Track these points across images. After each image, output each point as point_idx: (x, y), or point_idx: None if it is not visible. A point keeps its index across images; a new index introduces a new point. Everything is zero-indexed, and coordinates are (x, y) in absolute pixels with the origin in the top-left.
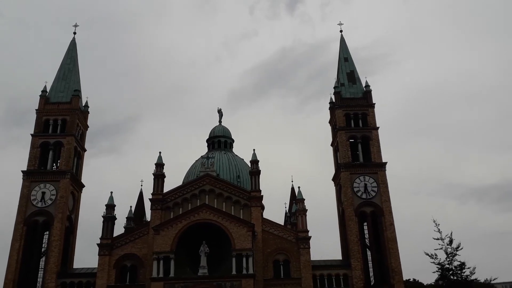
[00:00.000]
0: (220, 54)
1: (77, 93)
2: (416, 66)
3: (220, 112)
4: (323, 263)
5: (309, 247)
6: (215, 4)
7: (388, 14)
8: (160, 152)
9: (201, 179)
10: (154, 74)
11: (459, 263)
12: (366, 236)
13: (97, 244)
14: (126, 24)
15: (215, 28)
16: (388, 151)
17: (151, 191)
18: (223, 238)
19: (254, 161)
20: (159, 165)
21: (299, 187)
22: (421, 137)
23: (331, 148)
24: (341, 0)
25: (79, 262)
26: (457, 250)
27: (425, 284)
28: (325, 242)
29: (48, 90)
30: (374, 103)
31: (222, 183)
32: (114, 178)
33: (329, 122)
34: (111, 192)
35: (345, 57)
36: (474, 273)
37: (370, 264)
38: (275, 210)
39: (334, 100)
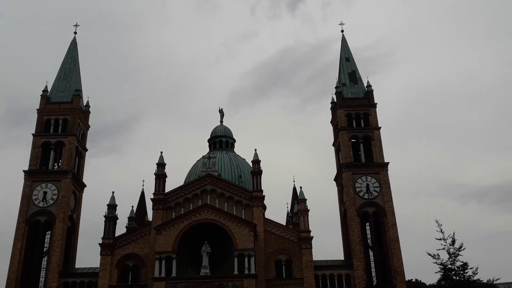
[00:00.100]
0: (221, 54)
1: (78, 93)
2: (417, 66)
3: (221, 112)
4: (325, 263)
5: (311, 247)
6: (215, 4)
7: (389, 14)
8: (161, 152)
9: (202, 179)
10: (155, 74)
11: (462, 263)
12: (368, 236)
13: (99, 244)
14: (127, 24)
15: (216, 28)
16: (389, 151)
17: (153, 191)
18: (225, 238)
19: (256, 161)
20: (161, 165)
21: (300, 187)
22: (422, 138)
23: (332, 148)
24: (342, 0)
25: (81, 262)
26: (459, 251)
27: (427, 284)
28: (327, 242)
29: (49, 90)
30: (376, 103)
31: (223, 183)
32: (116, 178)
33: (331, 122)
34: (113, 192)
35: (346, 57)
36: (477, 273)
37: (372, 264)
38: (277, 210)
39: (335, 100)
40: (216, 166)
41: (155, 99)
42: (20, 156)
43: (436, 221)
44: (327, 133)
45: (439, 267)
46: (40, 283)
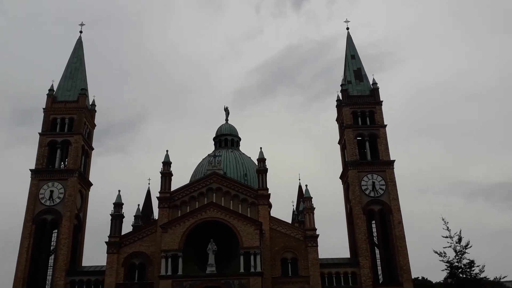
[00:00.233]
0: (226, 52)
1: (84, 92)
2: (423, 64)
3: (226, 110)
4: (331, 261)
5: (317, 245)
6: (220, 3)
7: (394, 11)
8: (167, 151)
9: (208, 177)
10: (160, 73)
11: (468, 261)
12: (374, 234)
13: (106, 242)
14: (132, 23)
15: (220, 26)
16: (395, 149)
17: (159, 189)
18: (230, 236)
19: (261, 159)
20: (166, 163)
21: (306, 185)
22: (428, 135)
23: (338, 146)
24: None
25: (87, 260)
26: (466, 248)
27: (434, 282)
28: (332, 240)
29: (55, 89)
30: (382, 101)
31: (229, 181)
32: (122, 177)
33: (336, 120)
34: (119, 191)
35: (351, 54)
36: (484, 271)
37: (379, 262)
38: (282, 208)
39: (341, 98)
40: (221, 164)
41: (160, 98)
42: (26, 155)
43: (443, 219)
44: (333, 131)
45: (446, 265)
46: (47, 281)
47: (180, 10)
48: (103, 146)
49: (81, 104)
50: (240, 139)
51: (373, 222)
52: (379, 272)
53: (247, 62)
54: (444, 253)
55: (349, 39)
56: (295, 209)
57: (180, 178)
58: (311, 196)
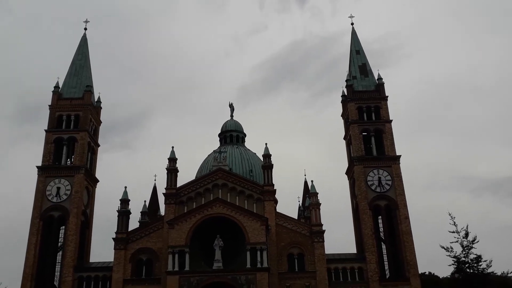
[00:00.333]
0: (230, 48)
1: (89, 89)
2: (429, 59)
3: (231, 106)
4: (337, 256)
5: (323, 241)
6: None
7: (399, 6)
8: (172, 147)
9: (214, 173)
10: (164, 70)
11: (475, 256)
12: (381, 229)
13: (113, 239)
14: (136, 20)
15: (225, 22)
16: (401, 144)
17: (165, 185)
18: (237, 232)
19: (267, 155)
20: (172, 159)
21: (312, 181)
22: (434, 130)
23: (343, 142)
24: None
25: (95, 256)
26: (473, 243)
27: (441, 277)
28: (339, 236)
29: (60, 86)
30: (387, 96)
31: (235, 177)
32: (128, 173)
33: (342, 116)
34: (125, 187)
35: (356, 49)
36: (491, 266)
37: (385, 258)
38: (288, 204)
39: (346, 93)
40: (227, 160)
41: (165, 95)
42: (32, 152)
43: (449, 214)
44: (338, 127)
45: (453, 260)
46: (55, 278)
47: (185, 7)
48: (109, 143)
49: (86, 101)
50: (245, 135)
51: (380, 217)
52: (386, 267)
53: (252, 58)
54: (451, 248)
55: (353, 34)
56: (301, 204)
57: (186, 174)
58: (317, 191)
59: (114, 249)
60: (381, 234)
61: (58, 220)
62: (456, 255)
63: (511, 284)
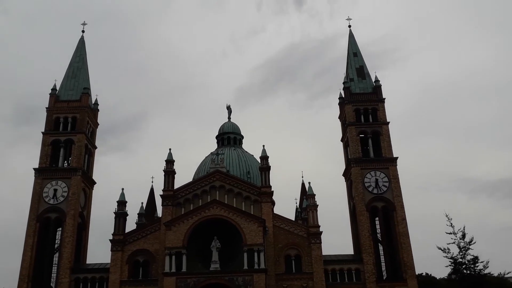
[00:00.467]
0: (228, 50)
1: (86, 91)
2: (426, 61)
3: (229, 108)
4: (334, 257)
5: (320, 242)
6: (221, 0)
7: (397, 8)
8: (170, 149)
9: (211, 175)
10: (162, 71)
11: (472, 257)
12: (378, 231)
13: (110, 240)
14: (134, 22)
15: (222, 24)
16: (398, 146)
17: (162, 187)
18: (234, 233)
19: (264, 157)
20: (169, 161)
21: (309, 183)
22: (431, 132)
23: (341, 144)
24: None
25: (92, 257)
26: (470, 244)
27: (437, 278)
28: (336, 237)
29: (57, 88)
30: (384, 98)
31: (232, 179)
32: (125, 175)
33: (339, 118)
34: (122, 189)
35: (354, 52)
36: (488, 267)
37: (382, 259)
38: (285, 205)
39: (343, 96)
40: (224, 162)
41: (162, 97)
42: (29, 154)
43: (446, 215)
44: (335, 129)
45: (450, 261)
46: (52, 279)
47: (182, 8)
48: (106, 145)
49: (83, 103)
50: (242, 137)
51: (377, 219)
52: (383, 268)
53: (249, 60)
54: (448, 249)
55: (351, 36)
56: (298, 206)
57: (183, 176)
58: (314, 193)
59: (111, 250)
60: (378, 235)
61: (55, 221)
62: (453, 256)
63: (507, 285)
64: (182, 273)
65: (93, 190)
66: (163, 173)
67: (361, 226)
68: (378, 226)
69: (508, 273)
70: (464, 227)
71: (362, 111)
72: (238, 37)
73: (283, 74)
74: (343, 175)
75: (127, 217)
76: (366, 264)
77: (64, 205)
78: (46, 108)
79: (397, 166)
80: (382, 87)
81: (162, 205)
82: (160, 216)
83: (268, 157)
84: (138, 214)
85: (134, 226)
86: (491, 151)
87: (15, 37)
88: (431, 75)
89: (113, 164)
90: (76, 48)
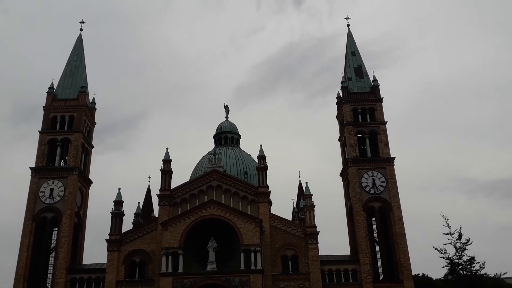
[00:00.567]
0: (227, 49)
1: (83, 90)
2: (425, 61)
3: (227, 107)
4: (331, 258)
5: (317, 242)
6: (221, 0)
7: (396, 8)
8: (167, 148)
9: (208, 175)
10: (160, 70)
11: (469, 257)
12: (375, 231)
13: (106, 240)
14: (132, 21)
15: (221, 23)
16: (396, 146)
17: (159, 187)
18: (231, 233)
19: (261, 157)
20: (167, 161)
21: (306, 183)
22: (429, 132)
23: (338, 144)
24: None
25: (88, 258)
26: (466, 245)
27: (434, 279)
28: (333, 237)
29: (55, 87)
30: (382, 98)
31: (229, 178)
32: (122, 175)
33: (337, 117)
34: (119, 189)
35: (352, 51)
36: (484, 267)
37: (379, 259)
38: (282, 205)
39: (341, 95)
40: (221, 162)
41: (160, 96)
42: (26, 153)
43: (443, 216)
44: (333, 128)
45: (446, 262)
46: (48, 279)
47: (181, 7)
48: (103, 144)
49: (81, 102)
50: (240, 136)
51: (373, 219)
52: (380, 269)
53: (248, 59)
54: (445, 249)
55: (349, 36)
56: (295, 206)
57: (180, 176)
58: (311, 193)
59: (107, 250)
60: (375, 235)
61: (51, 221)
62: (449, 256)
63: (504, 286)
64: (178, 274)
65: (90, 190)
66: (160, 173)
67: (358, 226)
68: (375, 227)
69: (505, 273)
70: (460, 228)
71: (360, 110)
72: (237, 36)
73: (282, 73)
74: (340, 175)
75: (123, 217)
76: (362, 265)
77: (60, 204)
78: (43, 106)
79: (396, 166)
80: (381, 86)
81: (158, 205)
82: (157, 216)
83: (265, 156)
84: (134, 214)
85: (130, 226)
86: (490, 151)
87: (15, 37)
88: (431, 74)
89: (110, 164)
90: (74, 47)
